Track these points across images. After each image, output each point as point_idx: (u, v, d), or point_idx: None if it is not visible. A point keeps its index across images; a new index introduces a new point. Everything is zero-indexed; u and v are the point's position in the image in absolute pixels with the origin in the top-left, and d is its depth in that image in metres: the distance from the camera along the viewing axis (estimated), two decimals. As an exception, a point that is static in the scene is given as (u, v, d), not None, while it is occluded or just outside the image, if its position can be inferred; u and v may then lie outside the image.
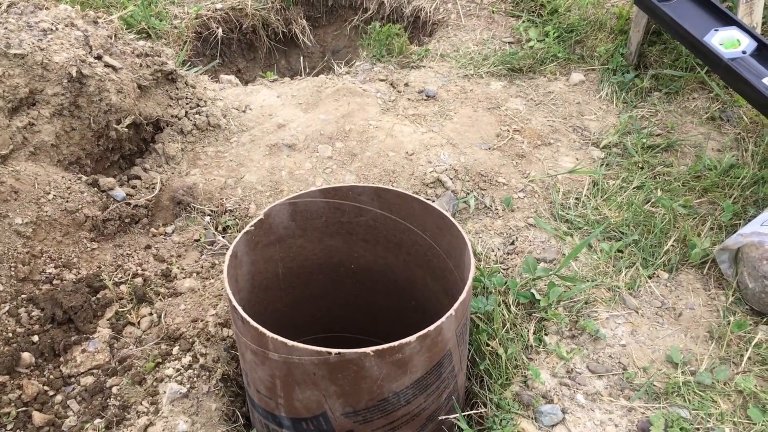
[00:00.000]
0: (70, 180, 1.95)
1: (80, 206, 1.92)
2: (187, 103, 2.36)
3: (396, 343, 1.20)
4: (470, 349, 1.73)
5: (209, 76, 2.90)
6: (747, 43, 2.16)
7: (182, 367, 1.65)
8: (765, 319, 1.77)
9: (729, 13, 2.28)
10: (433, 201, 2.14)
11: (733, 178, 2.21)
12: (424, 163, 2.27)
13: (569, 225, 2.11)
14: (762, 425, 1.50)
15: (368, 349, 1.18)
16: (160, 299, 1.83)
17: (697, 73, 2.65)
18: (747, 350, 1.68)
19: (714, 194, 2.17)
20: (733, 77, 2.11)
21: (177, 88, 2.35)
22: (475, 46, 3.03)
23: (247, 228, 1.49)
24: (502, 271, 1.94)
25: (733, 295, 1.84)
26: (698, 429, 1.51)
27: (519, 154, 2.38)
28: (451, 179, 2.21)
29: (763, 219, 1.85)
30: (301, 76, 3.02)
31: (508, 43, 3.05)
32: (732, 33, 2.20)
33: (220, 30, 3.29)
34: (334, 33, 3.74)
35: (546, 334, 1.76)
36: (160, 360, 1.67)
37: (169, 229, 2.06)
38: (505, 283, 1.85)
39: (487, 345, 1.71)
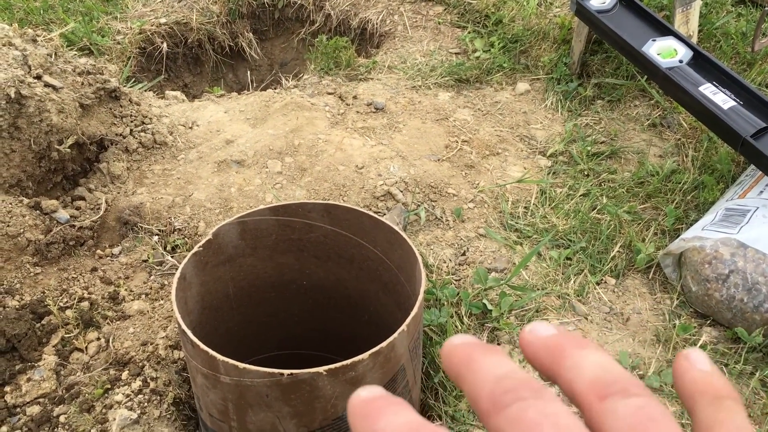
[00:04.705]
0: (10, 203, 1.89)
1: (22, 230, 1.87)
2: (131, 121, 2.31)
3: (349, 361, 1.19)
4: (424, 362, 1.73)
5: (154, 93, 2.85)
6: (683, 53, 2.22)
7: (132, 392, 1.62)
8: (709, 321, 1.83)
9: (666, 23, 2.34)
10: (384, 214, 2.14)
11: (674, 183, 2.27)
12: (374, 176, 2.27)
13: (519, 234, 2.14)
14: (708, 425, 1.54)
15: (321, 369, 1.18)
16: (107, 323, 1.79)
17: (638, 81, 2.72)
18: (692, 352, 1.72)
19: (657, 199, 2.23)
20: (671, 86, 2.17)
21: (121, 106, 2.31)
22: (423, 57, 3.06)
23: (195, 249, 1.47)
24: (454, 282, 1.95)
25: (677, 299, 1.89)
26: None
27: (468, 165, 2.41)
28: (402, 192, 2.22)
29: (704, 223, 1.91)
30: (248, 90, 2.99)
31: (455, 53, 3.08)
32: (669, 43, 2.26)
33: (164, 45, 3.25)
34: (282, 46, 3.72)
35: (499, 344, 1.77)
36: (109, 386, 1.63)
37: (115, 250, 2.02)
38: (457, 294, 1.86)
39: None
